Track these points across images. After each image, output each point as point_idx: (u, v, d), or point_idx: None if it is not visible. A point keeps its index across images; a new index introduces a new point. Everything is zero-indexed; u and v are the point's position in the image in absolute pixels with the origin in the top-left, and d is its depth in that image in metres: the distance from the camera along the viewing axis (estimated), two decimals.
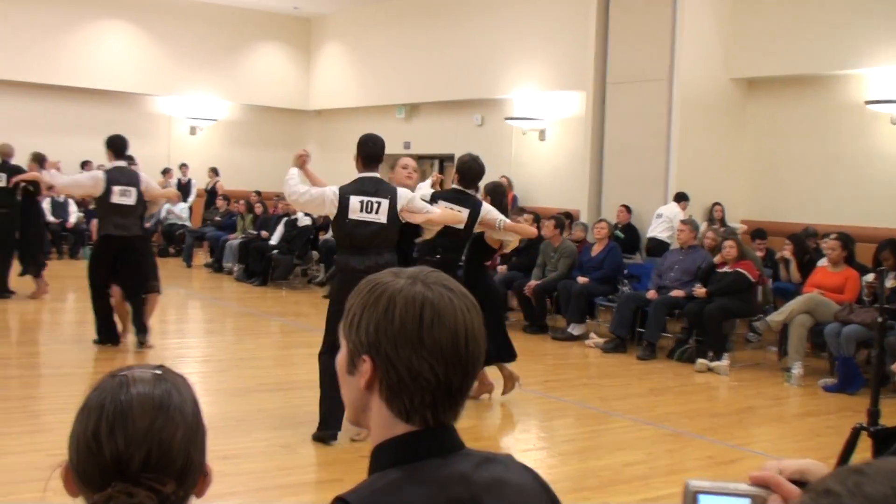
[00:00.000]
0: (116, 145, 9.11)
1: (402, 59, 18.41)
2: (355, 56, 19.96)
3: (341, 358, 1.49)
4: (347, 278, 6.20)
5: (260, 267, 14.78)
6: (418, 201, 6.55)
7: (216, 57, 20.11)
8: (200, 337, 11.24)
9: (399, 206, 6.37)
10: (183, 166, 19.30)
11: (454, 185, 7.61)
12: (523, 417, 7.60)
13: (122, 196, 8.81)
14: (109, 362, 8.83)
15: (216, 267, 16.22)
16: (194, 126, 20.53)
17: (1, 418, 6.55)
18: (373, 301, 1.43)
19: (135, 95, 19.70)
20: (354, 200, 6.34)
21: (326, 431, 6.29)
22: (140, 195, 9.01)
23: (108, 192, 8.80)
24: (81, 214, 17.35)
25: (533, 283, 11.41)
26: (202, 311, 13.09)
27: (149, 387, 1.45)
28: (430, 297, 1.42)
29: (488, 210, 7.45)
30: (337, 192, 6.38)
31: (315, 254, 15.20)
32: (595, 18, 13.90)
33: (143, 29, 19.33)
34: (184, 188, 18.87)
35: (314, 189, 6.61)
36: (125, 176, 9.00)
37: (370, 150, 6.51)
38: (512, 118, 16.18)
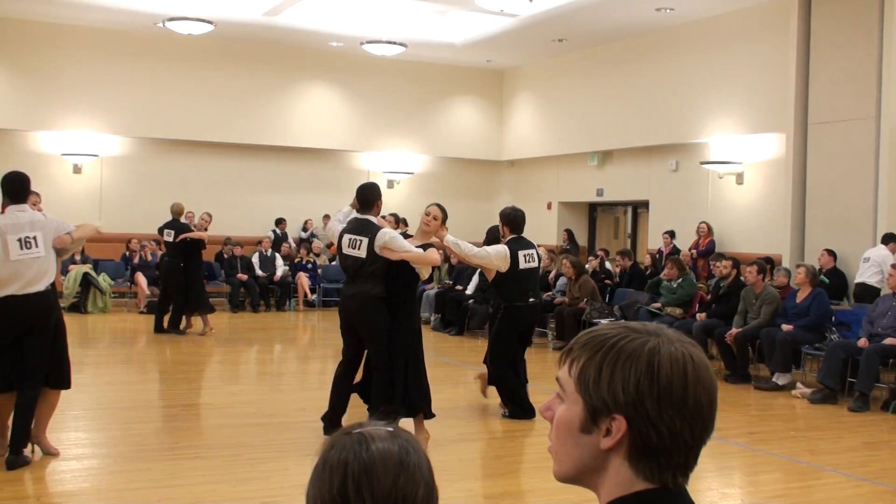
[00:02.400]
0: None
1: (594, 106, 18.41)
2: (547, 105, 20.12)
3: (571, 416, 1.42)
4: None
5: (456, 316, 15.01)
6: (398, 241, 7.33)
7: (412, 112, 20.71)
8: None
9: (377, 245, 7.26)
10: (381, 219, 19.88)
11: (512, 235, 8.71)
12: (726, 471, 7.35)
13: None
14: (321, 411, 9.16)
15: None
16: (392, 180, 21.15)
17: (218, 466, 6.89)
18: (624, 358, 1.37)
19: (336, 152, 20.53)
20: (345, 238, 7.48)
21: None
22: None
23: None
24: (287, 268, 18.15)
25: (734, 330, 11.07)
26: None
27: (388, 443, 1.46)
28: (689, 356, 1.38)
29: None
30: (336, 232, 7.66)
31: None
32: (795, 58, 13.51)
33: (343, 88, 20.17)
34: None
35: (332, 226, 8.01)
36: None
37: (359, 196, 7.61)
38: (708, 162, 15.86)
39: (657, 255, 15.62)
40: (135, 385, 10.22)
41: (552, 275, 14.84)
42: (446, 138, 21.11)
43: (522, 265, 8.54)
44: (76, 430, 7.98)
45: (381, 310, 7.44)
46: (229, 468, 6.83)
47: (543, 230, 19.97)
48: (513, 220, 8.75)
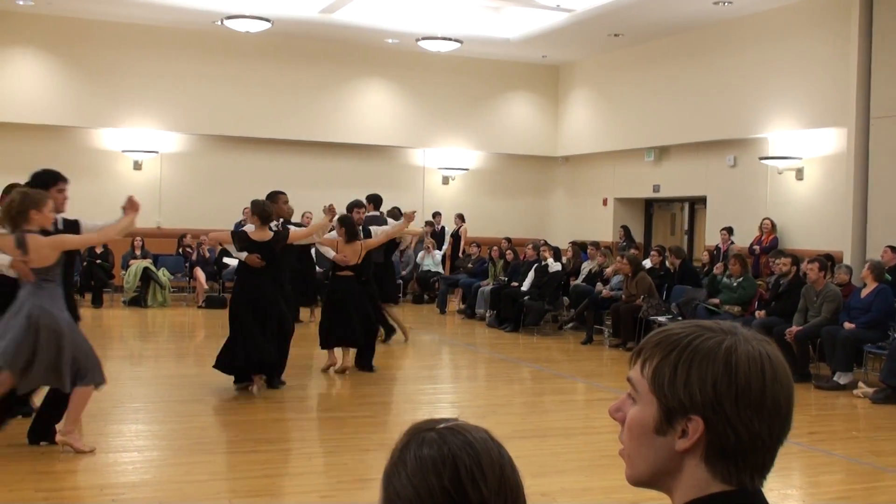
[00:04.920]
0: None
1: (650, 101, 18.25)
2: (603, 101, 19.98)
3: (645, 417, 1.39)
4: None
5: (511, 313, 14.97)
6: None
7: (467, 108, 20.71)
8: (454, 382, 11.49)
9: None
10: (436, 215, 19.96)
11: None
12: (786, 472, 7.24)
13: None
14: (382, 406, 9.20)
15: (468, 313, 16.57)
16: (447, 176, 21.18)
17: (276, 460, 6.96)
18: (700, 357, 1.35)
19: (391, 148, 20.60)
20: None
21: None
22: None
23: None
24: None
25: (794, 328, 10.90)
26: (455, 356, 13.39)
27: (482, 434, 1.48)
28: (766, 355, 1.36)
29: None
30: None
31: (566, 299, 15.23)
32: (857, 51, 13.26)
33: (398, 85, 20.23)
34: (437, 236, 19.51)
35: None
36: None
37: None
38: (767, 157, 15.63)
39: (715, 252, 15.44)
40: (193, 378, 10.33)
41: (609, 271, 14.74)
42: (501, 134, 21.07)
43: None
44: (136, 423, 8.12)
45: None
46: (287, 462, 6.90)
47: (599, 226, 19.86)
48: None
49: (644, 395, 1.40)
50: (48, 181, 6.92)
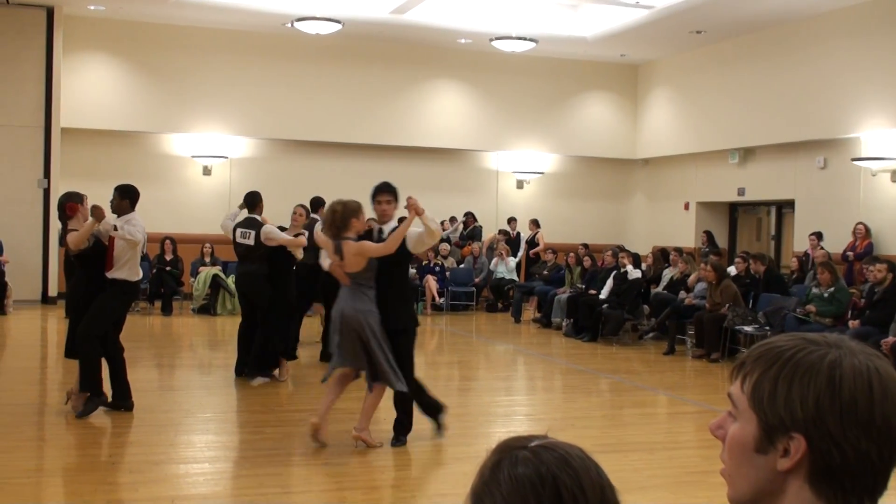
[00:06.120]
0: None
1: (734, 101, 17.66)
2: (684, 101, 19.43)
3: (745, 435, 1.33)
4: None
5: (589, 322, 14.48)
6: (274, 233, 9.85)
7: (542, 110, 20.32)
8: (529, 394, 11.14)
9: (262, 236, 9.79)
10: (511, 220, 19.58)
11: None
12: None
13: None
14: (456, 418, 8.85)
15: (544, 322, 16.15)
16: (521, 180, 20.80)
17: (348, 472, 6.76)
18: (802, 372, 1.28)
19: (464, 152, 20.30)
20: (238, 231, 10.15)
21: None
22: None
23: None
24: (414, 271, 17.95)
25: (891, 339, 10.37)
26: (530, 367, 13.03)
27: (579, 453, 1.37)
28: (874, 369, 1.28)
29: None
30: (229, 228, 10.49)
31: (646, 308, 14.69)
32: None
33: (471, 86, 19.93)
34: (512, 242, 19.12)
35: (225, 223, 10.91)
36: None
37: (246, 200, 10.31)
38: (860, 158, 14.93)
39: (804, 258, 14.80)
40: (264, 388, 10.09)
41: (692, 278, 14.17)
42: (578, 136, 20.62)
43: None
44: (207, 433, 8.00)
45: (265, 284, 9.93)
46: (360, 475, 6.77)
47: (680, 231, 19.33)
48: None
49: (744, 412, 1.35)
50: (374, 192, 7.47)
